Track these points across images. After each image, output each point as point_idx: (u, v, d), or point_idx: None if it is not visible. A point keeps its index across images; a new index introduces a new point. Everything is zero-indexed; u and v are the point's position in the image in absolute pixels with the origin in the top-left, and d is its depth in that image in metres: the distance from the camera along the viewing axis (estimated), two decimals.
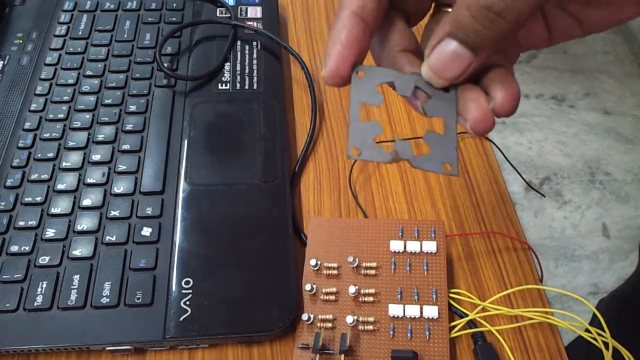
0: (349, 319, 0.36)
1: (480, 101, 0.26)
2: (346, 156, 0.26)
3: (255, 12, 0.57)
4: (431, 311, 0.37)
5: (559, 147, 1.62)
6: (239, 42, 0.54)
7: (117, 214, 0.41)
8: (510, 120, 1.67)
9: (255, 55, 0.53)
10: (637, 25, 1.89)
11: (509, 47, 0.29)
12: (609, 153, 1.62)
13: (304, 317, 0.37)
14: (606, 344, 0.36)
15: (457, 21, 0.24)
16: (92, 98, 0.49)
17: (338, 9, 0.26)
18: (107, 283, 0.38)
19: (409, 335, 0.37)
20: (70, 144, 0.46)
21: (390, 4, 0.27)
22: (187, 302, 0.37)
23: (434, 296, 0.38)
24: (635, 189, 1.54)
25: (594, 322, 0.38)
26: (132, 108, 0.48)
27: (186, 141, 0.46)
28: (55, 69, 0.51)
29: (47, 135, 0.46)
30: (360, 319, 0.37)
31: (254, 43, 0.54)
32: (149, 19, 0.56)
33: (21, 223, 0.41)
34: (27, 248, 0.39)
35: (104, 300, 0.37)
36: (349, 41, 0.26)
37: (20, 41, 0.54)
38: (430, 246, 0.40)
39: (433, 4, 0.29)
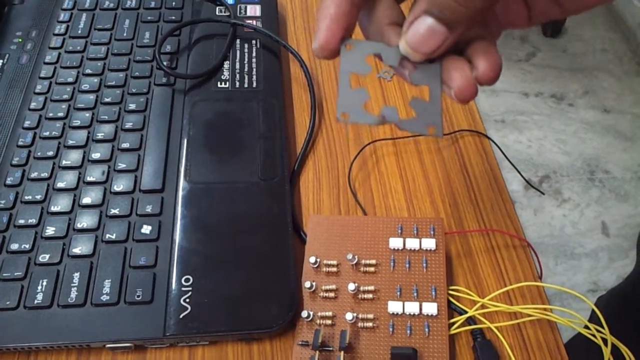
0: (349, 316, 0.36)
1: (464, 70, 0.27)
2: (335, 119, 0.28)
3: (254, 10, 0.57)
4: (430, 308, 0.37)
5: (558, 146, 1.63)
6: (238, 41, 0.54)
7: (117, 212, 0.41)
8: (509, 119, 1.67)
9: (254, 54, 0.53)
10: (635, 23, 1.89)
11: (491, 23, 0.30)
12: (608, 151, 1.62)
13: (304, 314, 0.37)
14: (605, 341, 0.36)
15: None
16: (92, 96, 0.49)
17: None
18: (107, 281, 0.38)
19: (408, 332, 0.37)
20: (70, 142, 0.46)
21: None
22: (187, 300, 0.37)
23: (433, 293, 0.38)
24: (634, 187, 1.54)
25: (593, 319, 0.38)
26: (132, 106, 0.48)
27: (186, 139, 0.46)
28: (55, 68, 0.51)
29: (46, 133, 0.46)
30: (360, 316, 0.37)
31: (253, 41, 0.54)
32: (149, 18, 0.56)
33: (21, 221, 0.41)
34: (27, 246, 0.40)
35: (104, 298, 0.37)
36: (337, 16, 0.27)
37: (20, 40, 0.54)
38: (429, 243, 0.40)
39: None
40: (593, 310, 0.39)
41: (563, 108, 1.72)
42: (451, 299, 0.39)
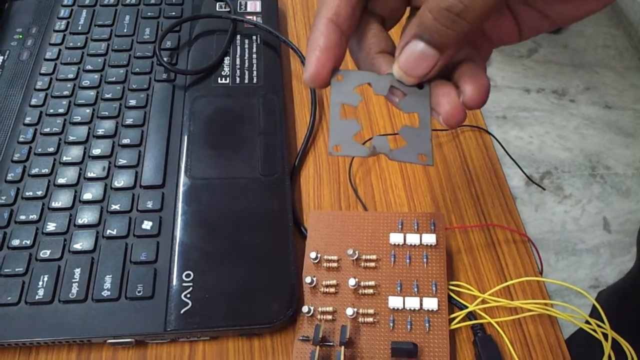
0: (349, 311, 0.36)
1: (451, 96, 0.27)
2: (328, 153, 0.29)
3: (254, 6, 0.57)
4: (431, 303, 0.37)
5: (560, 142, 1.62)
6: (238, 36, 0.54)
7: (118, 208, 0.42)
8: (510, 115, 1.67)
9: (254, 50, 0.53)
10: (637, 19, 1.89)
11: (481, 43, 0.30)
12: (610, 147, 1.62)
13: (304, 309, 0.37)
14: (606, 336, 0.36)
15: (422, 23, 0.25)
16: (92, 93, 0.49)
17: (315, 17, 0.28)
18: (108, 276, 0.38)
19: (408, 327, 0.37)
20: (71, 138, 0.46)
21: (365, 9, 0.29)
22: (188, 295, 0.37)
23: (434, 288, 0.38)
24: (635, 183, 1.54)
25: (594, 315, 0.38)
26: (132, 102, 0.48)
27: (186, 135, 0.46)
28: (55, 64, 0.51)
29: (47, 129, 0.46)
30: (360, 311, 0.37)
31: (254, 37, 0.54)
32: (149, 14, 0.56)
33: (22, 217, 0.41)
34: (28, 242, 0.40)
35: (105, 294, 0.37)
36: (327, 47, 0.28)
37: (20, 36, 0.54)
38: (430, 239, 0.40)
39: (408, 8, 0.30)
40: (594, 307, 0.39)
41: (564, 104, 1.72)
42: (452, 294, 0.39)
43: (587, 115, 1.69)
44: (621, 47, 1.90)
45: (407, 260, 0.39)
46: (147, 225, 0.41)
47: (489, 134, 0.50)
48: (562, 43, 1.90)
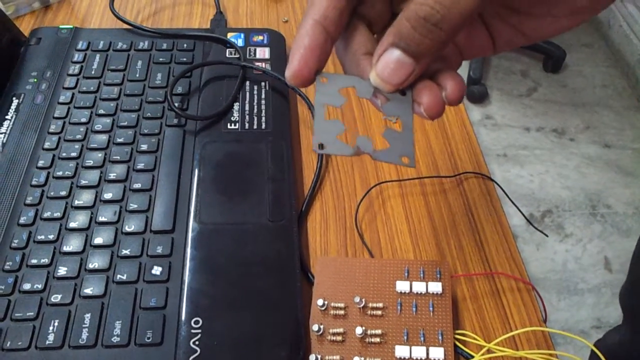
0: None
1: (433, 88, 0.28)
2: (312, 150, 0.29)
3: (263, 53, 0.58)
4: (437, 353, 0.38)
5: (560, 180, 1.63)
6: (247, 83, 0.55)
7: (128, 253, 0.42)
8: (511, 153, 1.68)
9: (263, 96, 0.54)
10: (634, 59, 1.92)
11: (451, 56, 0.32)
12: (610, 186, 1.63)
13: (312, 358, 0.37)
14: None
15: (399, 31, 0.26)
16: (105, 137, 0.50)
17: (303, 17, 0.28)
18: (117, 322, 0.38)
19: None
20: (83, 182, 0.46)
21: (354, 13, 0.30)
22: (197, 342, 0.38)
23: (440, 337, 0.38)
24: (636, 222, 1.54)
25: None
26: (144, 147, 0.49)
27: (196, 180, 0.47)
28: (69, 108, 0.52)
29: (60, 173, 0.47)
30: None
31: (262, 83, 0.55)
32: (160, 59, 0.57)
33: (34, 261, 0.41)
34: (39, 286, 0.40)
35: (115, 339, 0.38)
36: (312, 47, 0.28)
37: (35, 80, 0.55)
38: (436, 287, 0.40)
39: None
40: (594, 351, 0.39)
41: (564, 143, 1.74)
42: (457, 343, 0.39)
43: (586, 154, 1.71)
44: (619, 87, 1.93)
45: (414, 309, 0.40)
46: (156, 270, 0.41)
47: (492, 180, 0.51)
48: (561, 82, 1.93)
